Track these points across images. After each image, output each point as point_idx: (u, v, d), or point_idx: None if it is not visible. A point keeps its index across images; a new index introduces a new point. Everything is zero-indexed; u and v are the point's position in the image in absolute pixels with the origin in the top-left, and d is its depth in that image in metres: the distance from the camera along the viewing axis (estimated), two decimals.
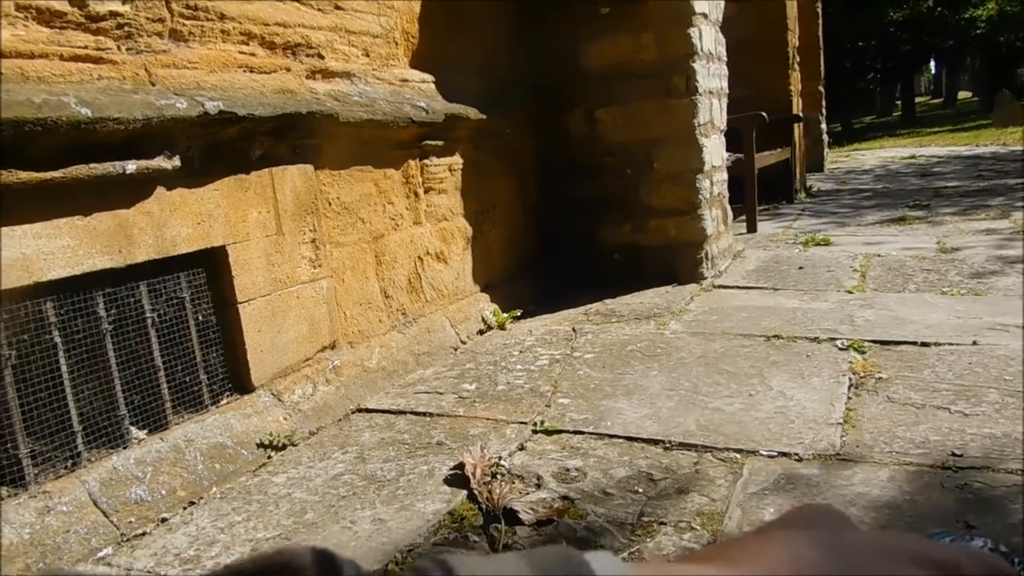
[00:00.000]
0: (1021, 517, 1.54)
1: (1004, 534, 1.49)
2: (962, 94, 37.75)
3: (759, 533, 0.36)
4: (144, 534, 1.77)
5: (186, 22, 2.21)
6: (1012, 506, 1.59)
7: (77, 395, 1.87)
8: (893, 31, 23.08)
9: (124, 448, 1.95)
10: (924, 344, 2.66)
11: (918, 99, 35.30)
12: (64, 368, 1.82)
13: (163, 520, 1.83)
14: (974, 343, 2.63)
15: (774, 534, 0.35)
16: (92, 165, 1.82)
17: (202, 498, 1.94)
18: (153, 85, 2.06)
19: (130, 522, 1.78)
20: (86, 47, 1.92)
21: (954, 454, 1.83)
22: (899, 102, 31.33)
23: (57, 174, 1.74)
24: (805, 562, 0.32)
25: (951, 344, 2.64)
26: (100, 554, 1.68)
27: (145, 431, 2.03)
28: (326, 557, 0.27)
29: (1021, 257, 4.00)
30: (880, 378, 2.38)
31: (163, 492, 1.89)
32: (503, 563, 0.28)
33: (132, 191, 1.97)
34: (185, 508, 1.89)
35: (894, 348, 2.66)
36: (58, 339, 1.81)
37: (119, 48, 2.02)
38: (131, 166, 1.91)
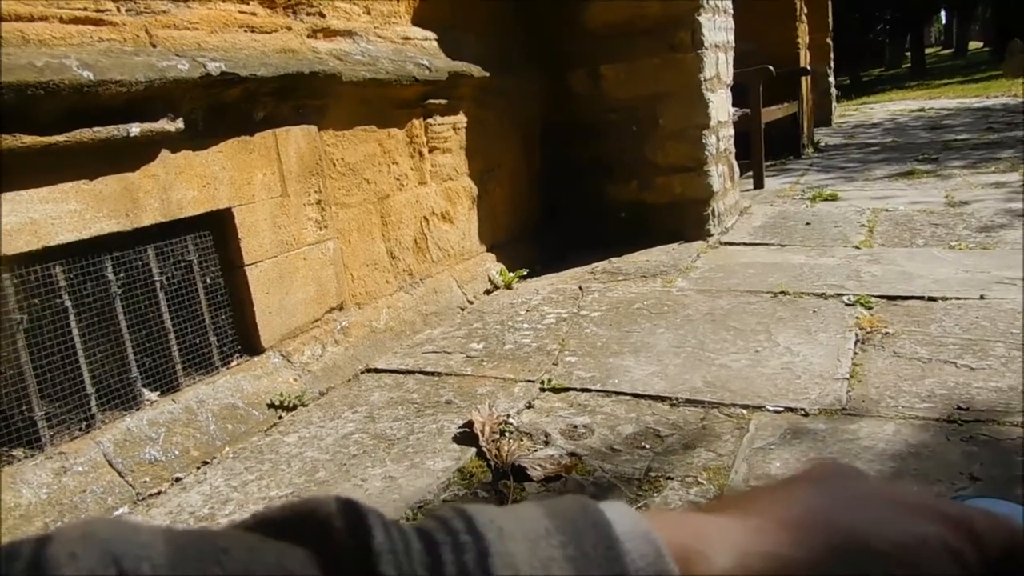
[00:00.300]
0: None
1: (1009, 485, 1.50)
2: (973, 44, 37.13)
3: (776, 487, 0.36)
4: (159, 493, 1.80)
5: None
6: (1017, 458, 1.60)
7: (89, 358, 1.89)
8: None
9: (137, 410, 1.97)
10: (931, 299, 2.66)
11: (928, 50, 34.76)
12: (75, 331, 1.84)
13: (177, 479, 1.86)
14: (981, 297, 2.63)
15: (791, 487, 0.35)
16: (96, 128, 1.81)
17: (215, 458, 1.97)
18: (154, 47, 2.04)
19: (145, 482, 1.81)
20: (86, 9, 1.90)
21: (960, 407, 1.84)
22: (909, 53, 30.82)
23: (61, 138, 1.74)
24: (819, 510, 0.32)
25: (958, 298, 2.64)
26: (116, 512, 1.71)
27: (157, 393, 2.05)
28: (351, 505, 0.28)
29: (1023, 211, 3.98)
30: (887, 333, 2.39)
31: (176, 452, 1.92)
32: (521, 512, 0.29)
33: (136, 154, 1.96)
34: (199, 468, 1.92)
35: (901, 303, 2.66)
36: (68, 303, 1.83)
37: (119, 9, 2.00)
38: (134, 129, 1.90)
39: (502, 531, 0.28)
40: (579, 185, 4.09)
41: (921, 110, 11.69)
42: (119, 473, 1.79)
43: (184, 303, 2.14)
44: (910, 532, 0.32)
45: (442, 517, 0.28)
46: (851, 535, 0.31)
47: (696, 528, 0.32)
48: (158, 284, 2.06)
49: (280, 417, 2.19)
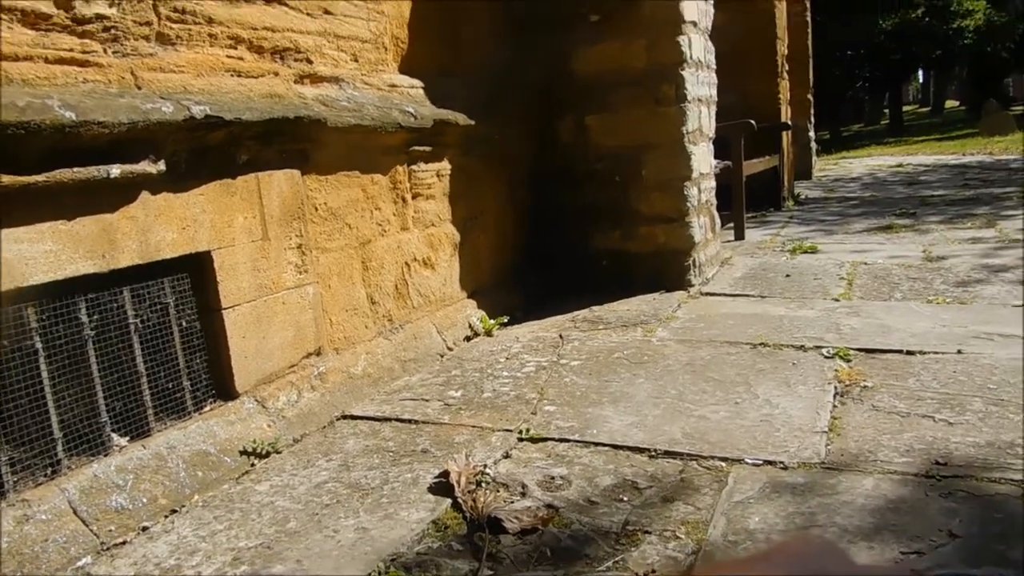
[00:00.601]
0: (1005, 527, 1.55)
1: (988, 543, 1.49)
2: (949, 103, 38.04)
3: (746, 563, 0.35)
4: (124, 543, 1.75)
5: (173, 25, 2.20)
6: (995, 515, 1.59)
7: (58, 401, 1.85)
8: (882, 40, 23.23)
9: (105, 455, 1.93)
10: (909, 352, 2.67)
11: (906, 108, 35.54)
12: (45, 374, 1.80)
13: (144, 529, 1.81)
14: (959, 352, 2.64)
15: (762, 561, 0.34)
16: (76, 169, 1.80)
17: (184, 506, 1.92)
18: (139, 88, 2.05)
19: (110, 531, 1.76)
20: (71, 50, 1.91)
21: (938, 462, 1.84)
22: (887, 110, 31.51)
23: (40, 178, 1.73)
24: None
25: (936, 352, 2.65)
26: (79, 563, 1.66)
27: (127, 438, 2.01)
28: None
29: (1008, 266, 4.03)
30: (865, 386, 2.39)
31: (144, 500, 1.88)
32: None
33: (116, 195, 1.95)
34: (167, 516, 1.88)
35: (880, 356, 2.67)
36: (39, 345, 1.79)
37: (105, 51, 2.01)
38: (115, 170, 1.89)
39: None
40: (563, 232, 4.11)
41: (899, 166, 11.91)
42: (84, 522, 1.74)
43: (158, 347, 2.11)
44: None
45: None
46: None
47: None
48: (132, 327, 2.03)
49: (252, 464, 2.15)
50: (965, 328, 2.93)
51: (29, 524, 1.67)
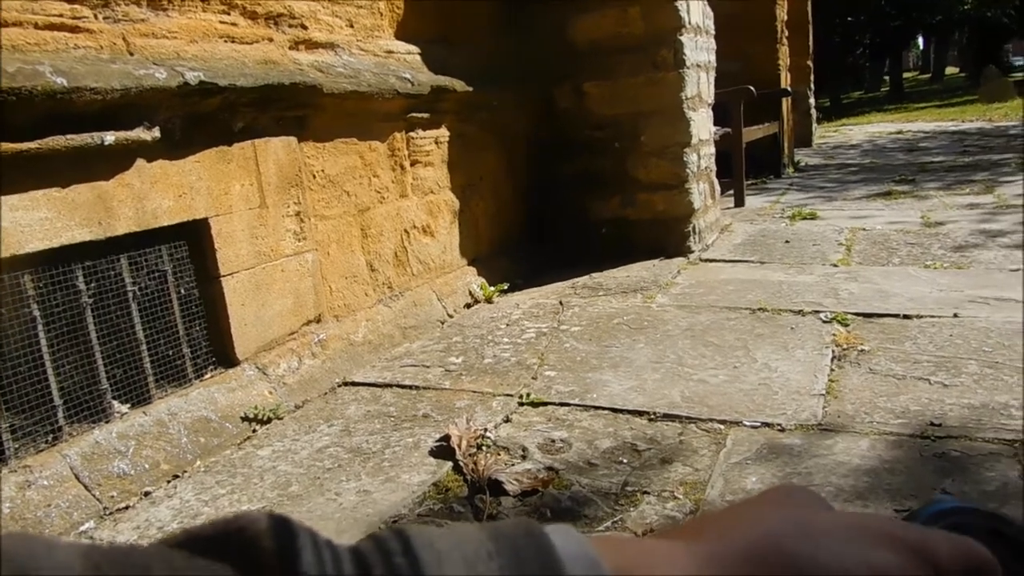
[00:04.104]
0: (997, 485, 1.56)
1: (980, 500, 1.51)
2: (950, 70, 37.75)
3: (729, 511, 0.35)
4: (127, 508, 1.77)
5: None
6: (988, 474, 1.61)
7: (58, 369, 1.85)
8: (882, 5, 23.01)
9: (107, 422, 1.94)
10: (906, 316, 2.68)
11: (906, 74, 35.29)
12: (44, 342, 1.81)
13: (146, 494, 1.83)
14: (955, 316, 2.65)
15: (744, 511, 0.34)
16: (69, 136, 1.79)
17: (186, 472, 1.93)
18: (131, 55, 2.03)
19: (112, 496, 1.78)
20: (61, 15, 1.89)
21: (933, 423, 1.85)
22: (887, 77, 31.30)
23: (33, 145, 1.72)
24: (772, 538, 0.31)
25: (933, 316, 2.66)
26: (82, 528, 1.68)
27: (128, 405, 2.02)
28: (282, 524, 0.27)
29: (1005, 231, 4.03)
30: (863, 350, 2.40)
31: (146, 466, 1.89)
32: (463, 534, 0.28)
33: (111, 163, 1.94)
34: (169, 482, 1.89)
35: (877, 320, 2.68)
36: (37, 312, 1.80)
37: (96, 16, 1.98)
38: (109, 137, 1.88)
39: (440, 554, 0.26)
40: (562, 200, 4.10)
41: (899, 132, 11.86)
42: (86, 487, 1.75)
43: (157, 314, 2.11)
44: (867, 562, 0.30)
45: (379, 538, 0.27)
46: (804, 565, 0.30)
47: (643, 553, 0.31)
48: (131, 294, 2.03)
49: (254, 430, 2.16)
50: (962, 292, 2.94)
51: (31, 490, 1.68)
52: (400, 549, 0.26)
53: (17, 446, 1.76)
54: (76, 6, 1.93)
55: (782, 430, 1.90)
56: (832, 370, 2.26)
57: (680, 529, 0.34)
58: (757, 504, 0.35)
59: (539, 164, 4.10)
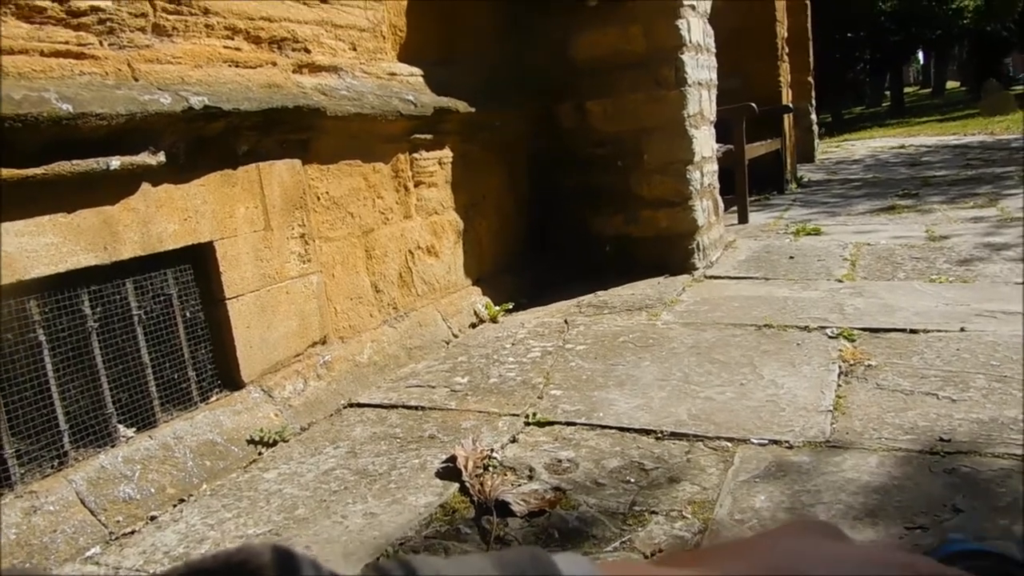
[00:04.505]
0: (1008, 501, 1.55)
1: (991, 517, 1.49)
2: (950, 84, 37.85)
3: (745, 541, 0.35)
4: (133, 532, 1.76)
5: (169, 16, 2.19)
6: (999, 490, 1.59)
7: (63, 393, 1.85)
8: (882, 21, 23.11)
9: (112, 446, 1.94)
10: (913, 331, 2.67)
11: (907, 89, 35.41)
12: (49, 366, 1.81)
13: (152, 518, 1.82)
14: (962, 330, 2.64)
15: (760, 542, 0.34)
16: (75, 161, 1.80)
17: (192, 495, 1.93)
18: (136, 80, 2.05)
19: (118, 521, 1.77)
20: (67, 43, 1.91)
21: (942, 439, 1.84)
22: (888, 92, 31.40)
23: (39, 170, 1.73)
24: (790, 568, 0.31)
25: (939, 331, 2.65)
26: (88, 553, 1.67)
27: (133, 429, 2.02)
28: (286, 556, 0.26)
29: (1010, 244, 4.02)
30: (869, 365, 2.39)
31: (152, 490, 1.88)
32: (468, 563, 0.28)
33: (117, 187, 1.95)
34: (175, 506, 1.88)
35: (883, 335, 2.67)
36: (43, 337, 1.80)
37: (101, 43, 2.00)
38: (115, 162, 1.89)
39: None
40: (566, 218, 4.11)
41: (901, 147, 11.87)
42: (91, 512, 1.75)
43: (163, 337, 2.11)
44: None
45: (383, 569, 0.27)
46: None
47: None
48: (136, 318, 2.03)
49: (260, 453, 2.16)
50: (968, 306, 2.93)
51: (37, 515, 1.67)
52: None
53: (23, 471, 1.76)
54: (82, 33, 1.95)
55: (790, 447, 1.89)
56: (839, 386, 2.25)
57: (694, 556, 0.34)
58: (774, 536, 0.35)
59: (542, 182, 4.11)
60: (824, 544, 0.33)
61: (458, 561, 0.28)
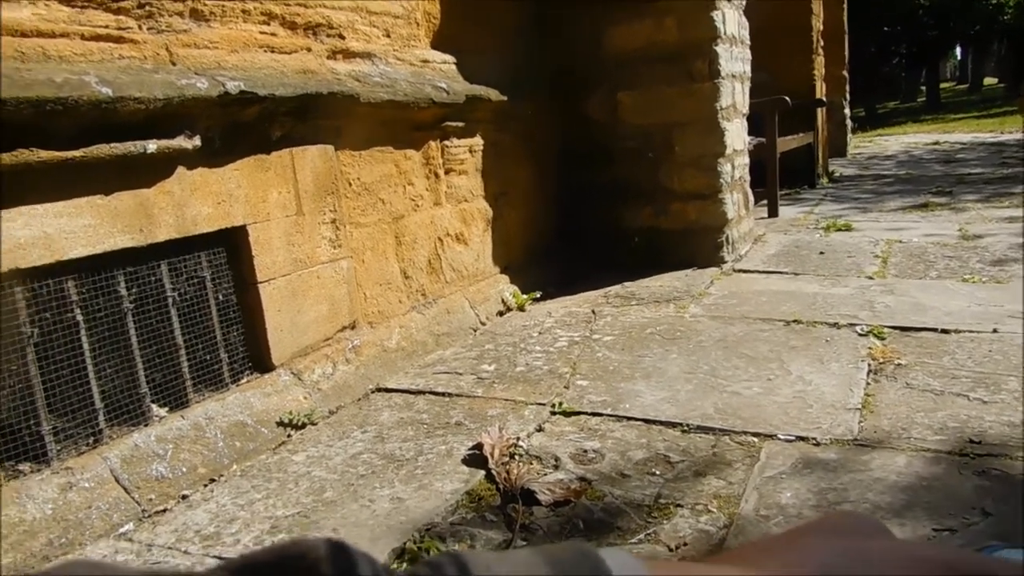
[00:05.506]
0: None
1: (1021, 522, 1.48)
2: (987, 80, 37.13)
3: (784, 537, 0.35)
4: (165, 510, 1.80)
5: (207, 2, 2.21)
6: None
7: (99, 373, 1.89)
8: (919, 15, 22.71)
9: (145, 425, 1.97)
10: (944, 331, 2.64)
11: (943, 85, 34.76)
12: (86, 346, 1.84)
13: (184, 497, 1.85)
14: (994, 331, 2.60)
15: (800, 539, 0.34)
16: (113, 144, 1.83)
17: (222, 475, 1.96)
18: (174, 65, 2.07)
19: (151, 498, 1.81)
20: (107, 26, 1.93)
21: (972, 441, 1.82)
22: (924, 87, 30.88)
23: (78, 153, 1.76)
24: (829, 568, 0.31)
25: (971, 331, 2.62)
26: (121, 530, 1.71)
27: (166, 409, 2.05)
28: (341, 550, 0.27)
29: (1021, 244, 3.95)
30: (899, 364, 2.36)
31: (184, 469, 1.92)
32: (519, 559, 0.28)
33: (153, 170, 1.98)
34: (206, 485, 1.92)
35: (914, 334, 2.64)
36: (80, 317, 1.83)
37: (140, 27, 2.03)
38: (152, 146, 1.92)
39: None
40: (594, 209, 4.10)
41: (936, 143, 11.68)
42: (125, 489, 1.79)
43: (196, 319, 2.15)
44: None
45: (436, 563, 0.27)
46: None
47: None
48: (170, 300, 2.06)
49: (289, 435, 2.19)
50: (1001, 307, 2.89)
51: (73, 491, 1.71)
52: (458, 574, 0.27)
53: (59, 448, 1.80)
54: (121, 17, 1.97)
55: (817, 444, 1.88)
56: (868, 384, 2.23)
57: (735, 554, 0.34)
58: (815, 530, 0.34)
59: (570, 173, 4.10)
60: (864, 543, 0.33)
61: (508, 556, 0.28)
